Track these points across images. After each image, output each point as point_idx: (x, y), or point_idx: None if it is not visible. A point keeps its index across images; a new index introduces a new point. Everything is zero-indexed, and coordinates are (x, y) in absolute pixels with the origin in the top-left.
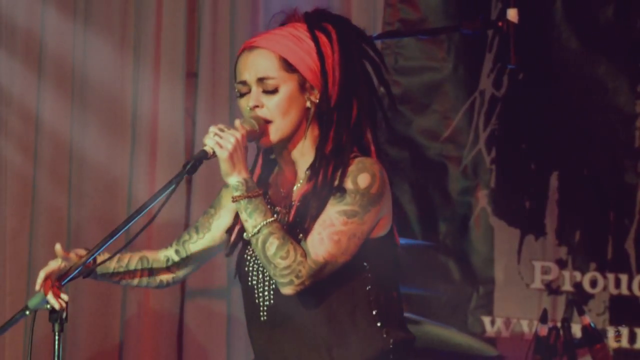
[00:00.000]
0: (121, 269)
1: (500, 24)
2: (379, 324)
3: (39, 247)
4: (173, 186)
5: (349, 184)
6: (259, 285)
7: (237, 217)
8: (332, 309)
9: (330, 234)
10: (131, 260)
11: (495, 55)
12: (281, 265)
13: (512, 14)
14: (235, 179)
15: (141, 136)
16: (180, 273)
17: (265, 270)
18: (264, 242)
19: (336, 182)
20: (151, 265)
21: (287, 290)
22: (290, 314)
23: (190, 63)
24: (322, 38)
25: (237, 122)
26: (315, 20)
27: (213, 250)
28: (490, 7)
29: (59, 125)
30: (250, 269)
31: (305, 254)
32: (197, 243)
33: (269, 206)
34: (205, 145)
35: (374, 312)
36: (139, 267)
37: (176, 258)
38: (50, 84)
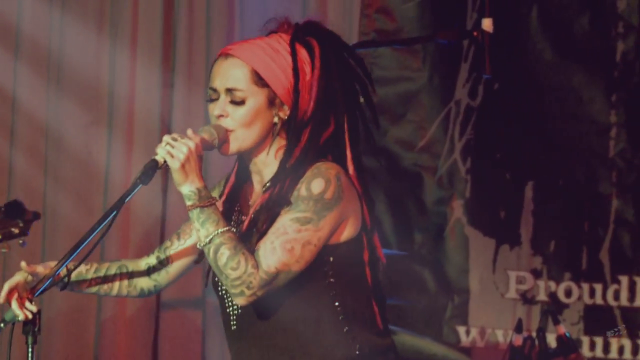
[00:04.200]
0: (99, 278)
1: (475, 33)
2: (345, 329)
3: None
4: (131, 193)
5: (302, 191)
6: (228, 295)
7: None
8: (297, 316)
9: (282, 242)
10: (110, 268)
11: (471, 65)
12: (232, 276)
13: (487, 24)
14: (187, 189)
15: (118, 121)
16: (162, 280)
17: None
18: (215, 252)
19: (289, 195)
20: (131, 273)
21: (239, 301)
22: (257, 322)
23: (166, 73)
24: (302, 53)
25: (190, 131)
26: (301, 34)
27: (194, 257)
28: (466, 17)
29: (35, 108)
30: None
31: (256, 265)
32: (178, 249)
33: (241, 216)
34: (156, 154)
35: (340, 318)
36: (118, 273)
37: (158, 265)
38: (26, 68)
